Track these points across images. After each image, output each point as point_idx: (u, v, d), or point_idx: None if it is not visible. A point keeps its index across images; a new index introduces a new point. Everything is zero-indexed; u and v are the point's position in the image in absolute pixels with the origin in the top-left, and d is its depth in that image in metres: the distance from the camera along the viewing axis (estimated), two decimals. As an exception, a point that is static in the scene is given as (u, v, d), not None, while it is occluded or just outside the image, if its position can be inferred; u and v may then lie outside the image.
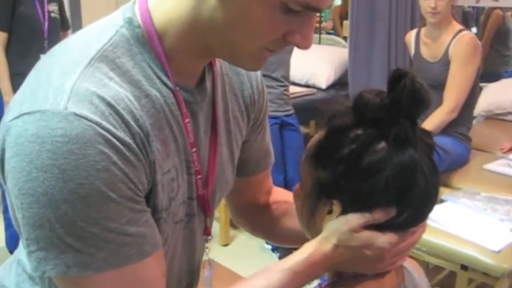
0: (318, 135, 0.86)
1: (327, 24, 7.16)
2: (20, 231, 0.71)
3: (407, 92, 0.75)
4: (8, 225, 2.97)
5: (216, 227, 3.39)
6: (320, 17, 6.34)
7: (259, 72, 0.99)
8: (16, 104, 0.68)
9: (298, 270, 0.80)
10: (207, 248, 0.96)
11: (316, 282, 0.86)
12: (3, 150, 0.67)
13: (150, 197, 0.73)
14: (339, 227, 0.79)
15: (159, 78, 0.74)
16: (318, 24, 6.28)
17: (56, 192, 0.63)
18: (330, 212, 0.82)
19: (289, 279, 0.80)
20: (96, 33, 0.73)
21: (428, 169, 0.79)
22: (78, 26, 4.24)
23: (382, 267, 0.82)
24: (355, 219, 0.78)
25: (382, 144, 0.77)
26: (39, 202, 0.64)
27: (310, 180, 0.84)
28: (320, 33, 5.44)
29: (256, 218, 1.13)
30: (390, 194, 0.78)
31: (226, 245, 3.37)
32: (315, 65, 4.26)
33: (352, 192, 0.79)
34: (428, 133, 0.83)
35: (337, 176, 0.80)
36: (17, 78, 2.86)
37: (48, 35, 3.01)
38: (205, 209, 0.88)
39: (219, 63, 0.89)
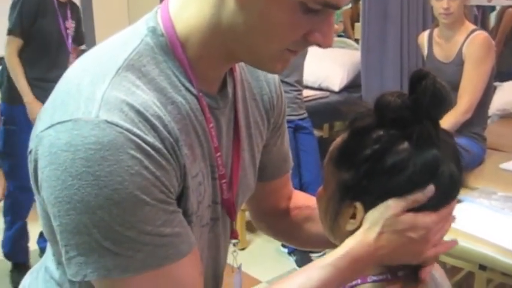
0: (340, 137, 0.87)
1: (338, 27, 7.15)
2: (54, 239, 0.73)
3: (429, 93, 0.77)
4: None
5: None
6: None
7: (277, 77, 1.00)
8: (47, 114, 0.70)
9: (340, 266, 0.78)
10: (234, 251, 0.97)
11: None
12: (36, 161, 0.70)
13: (181, 201, 0.75)
14: (381, 214, 0.79)
15: (183, 85, 0.76)
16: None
17: (92, 199, 0.65)
18: (353, 216, 0.82)
19: (331, 276, 0.78)
20: (122, 43, 0.75)
21: (454, 166, 0.81)
22: (91, 34, 4.29)
23: (427, 250, 0.81)
24: (396, 203, 0.78)
25: (405, 145, 0.78)
26: (76, 209, 0.66)
27: (334, 182, 0.86)
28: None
29: (278, 223, 1.14)
30: (414, 193, 0.78)
31: (243, 249, 3.38)
32: (328, 68, 4.26)
33: (375, 193, 0.80)
34: (450, 133, 0.84)
35: (361, 176, 0.81)
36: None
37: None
38: (231, 212, 0.90)
39: (239, 69, 0.91)
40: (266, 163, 1.04)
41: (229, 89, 0.86)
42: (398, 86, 3.86)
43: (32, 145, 0.71)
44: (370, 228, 0.79)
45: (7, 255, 3.03)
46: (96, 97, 0.68)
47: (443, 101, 0.78)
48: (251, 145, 0.94)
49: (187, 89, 0.77)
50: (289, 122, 3.12)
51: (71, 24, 3.06)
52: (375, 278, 0.86)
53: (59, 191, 0.66)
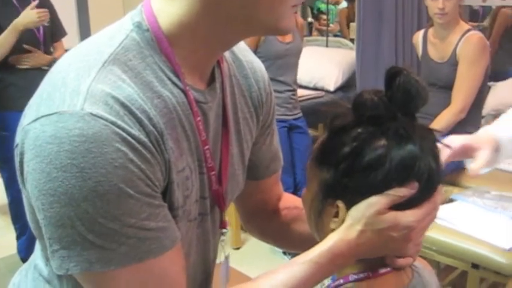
0: (321, 138, 0.88)
1: (334, 27, 7.18)
2: (40, 233, 0.73)
3: (403, 89, 0.78)
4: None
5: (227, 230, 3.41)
6: (327, 19, 6.36)
7: (266, 75, 1.01)
8: (33, 108, 0.70)
9: (321, 262, 0.79)
10: (222, 241, 0.97)
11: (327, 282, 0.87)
12: (22, 154, 0.69)
13: (166, 195, 0.75)
14: (363, 211, 0.78)
15: (170, 79, 0.76)
16: (324, 27, 6.31)
17: (76, 191, 0.65)
18: (336, 215, 0.83)
19: (313, 271, 0.79)
20: (108, 38, 0.75)
21: (429, 162, 0.80)
22: (86, 26, 4.26)
23: (408, 247, 0.82)
24: (379, 201, 0.78)
25: (382, 141, 0.79)
26: (60, 201, 0.66)
27: (316, 182, 0.86)
28: (327, 36, 5.46)
29: (266, 224, 1.14)
30: (393, 187, 0.79)
31: (237, 249, 3.39)
32: (323, 67, 4.27)
33: (356, 191, 0.80)
34: (428, 128, 0.84)
35: (340, 175, 0.81)
36: (11, 89, 2.87)
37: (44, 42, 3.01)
38: (220, 203, 0.90)
39: (227, 65, 0.91)
40: (255, 161, 1.04)
41: (218, 84, 0.86)
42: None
43: (18, 139, 0.71)
44: (352, 225, 0.79)
45: (25, 260, 3.01)
46: (81, 90, 0.67)
47: (418, 96, 0.79)
48: (240, 141, 0.94)
49: (173, 83, 0.77)
50: (283, 121, 3.15)
51: None
52: (356, 276, 0.86)
53: (44, 184, 0.66)
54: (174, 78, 0.77)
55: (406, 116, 0.80)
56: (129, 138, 0.67)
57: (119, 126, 0.67)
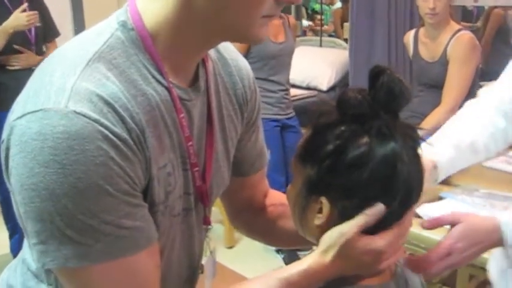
0: (305, 135, 0.89)
1: (329, 27, 7.20)
2: (24, 227, 0.74)
3: (386, 88, 0.79)
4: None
5: (220, 230, 3.42)
6: (321, 20, 6.38)
7: (251, 73, 1.02)
8: (20, 104, 0.72)
9: (295, 281, 0.81)
10: (207, 237, 0.98)
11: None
12: (8, 149, 0.71)
13: (147, 191, 0.77)
14: (336, 240, 0.81)
15: (154, 77, 0.78)
16: (319, 28, 6.33)
17: (57, 187, 0.67)
18: (320, 211, 0.84)
19: None
20: (93, 37, 0.77)
21: (410, 161, 0.81)
22: (81, 26, 4.26)
23: (382, 268, 0.84)
24: (349, 229, 0.80)
25: (365, 139, 0.80)
26: (41, 196, 0.67)
27: (300, 178, 0.87)
28: (321, 36, 5.48)
29: (253, 221, 1.15)
30: (374, 187, 0.80)
31: (231, 248, 3.40)
32: (316, 67, 4.30)
33: (338, 188, 0.82)
34: (412, 127, 0.85)
35: (324, 172, 0.82)
36: (1, 89, 2.87)
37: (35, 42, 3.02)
38: (204, 199, 0.91)
39: (212, 64, 0.92)
40: (240, 158, 1.05)
41: (202, 82, 0.87)
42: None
43: (4, 134, 0.72)
44: (327, 251, 0.82)
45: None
46: (66, 88, 0.69)
47: (401, 95, 0.80)
48: (225, 138, 0.95)
49: (157, 81, 0.78)
50: (276, 121, 3.18)
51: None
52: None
53: (26, 178, 0.68)
54: (158, 76, 0.78)
55: (389, 114, 0.81)
56: (111, 136, 0.69)
57: (101, 124, 0.68)
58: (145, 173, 0.75)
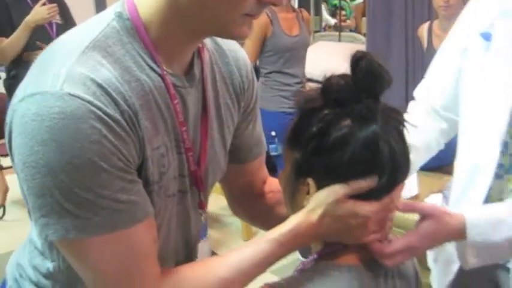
0: (293, 120, 0.92)
1: (351, 23, 7.17)
2: (28, 203, 0.80)
3: (366, 72, 0.82)
4: None
5: (238, 223, 3.46)
6: (340, 14, 6.37)
7: (249, 63, 1.06)
8: (21, 89, 0.78)
9: (283, 241, 0.86)
10: (202, 221, 1.02)
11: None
12: (11, 131, 0.77)
13: (141, 171, 0.82)
14: (325, 198, 0.84)
15: (148, 64, 0.82)
16: (342, 23, 6.33)
17: (55, 163, 0.72)
18: (308, 193, 0.87)
19: (275, 249, 0.86)
20: (91, 27, 0.82)
21: (395, 141, 0.84)
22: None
23: (365, 236, 0.88)
24: (340, 189, 0.84)
25: (347, 121, 0.83)
26: (41, 173, 0.73)
27: (289, 162, 0.91)
28: (340, 31, 5.48)
29: (252, 207, 1.19)
30: (357, 167, 0.83)
31: (248, 240, 3.44)
32: (334, 62, 4.28)
33: (322, 168, 0.85)
34: (395, 110, 0.88)
35: (309, 154, 0.86)
36: (13, 82, 2.97)
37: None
38: (198, 184, 0.95)
39: (209, 54, 0.97)
40: (239, 145, 1.09)
41: (196, 71, 0.91)
42: (403, 79, 3.89)
43: (7, 118, 0.78)
44: (314, 209, 0.85)
45: None
46: (62, 73, 0.74)
47: (381, 79, 0.83)
48: (221, 125, 0.99)
49: (151, 68, 0.83)
50: (292, 114, 3.18)
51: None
52: (327, 250, 0.92)
53: (27, 157, 0.73)
54: (152, 64, 0.83)
55: (370, 98, 0.84)
56: (104, 116, 0.74)
57: (95, 105, 0.73)
58: (139, 152, 0.80)
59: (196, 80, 0.91)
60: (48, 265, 0.93)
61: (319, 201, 0.85)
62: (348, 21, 7.06)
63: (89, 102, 0.73)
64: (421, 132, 1.38)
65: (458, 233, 0.99)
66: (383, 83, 0.84)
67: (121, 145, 0.76)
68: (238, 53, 1.04)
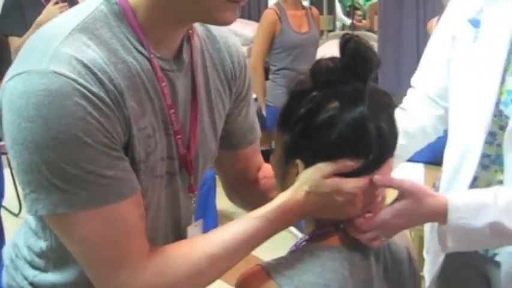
0: (283, 104, 0.94)
1: (366, 23, 7.14)
2: (18, 180, 0.82)
3: (353, 54, 0.83)
4: None
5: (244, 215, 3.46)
6: (354, 14, 6.35)
7: (240, 50, 1.08)
8: (11, 69, 0.80)
9: (271, 217, 0.87)
10: (192, 205, 1.03)
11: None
12: (1, 110, 0.80)
13: (128, 149, 0.84)
14: (311, 175, 0.86)
15: (135, 48, 0.85)
16: (359, 23, 6.31)
17: (41, 139, 0.75)
18: (298, 174, 0.88)
19: (264, 226, 0.87)
20: (79, 10, 0.84)
21: (383, 122, 0.85)
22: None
23: (355, 212, 0.88)
24: (325, 167, 0.85)
25: (335, 103, 0.84)
26: (28, 149, 0.76)
27: (280, 145, 0.93)
28: (353, 31, 5.47)
29: (247, 193, 1.20)
30: (345, 148, 0.84)
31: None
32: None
33: (311, 149, 0.86)
34: (384, 92, 0.89)
35: (297, 135, 0.87)
36: None
37: None
38: (188, 167, 0.97)
39: (199, 40, 0.98)
40: (231, 131, 1.11)
41: (185, 56, 0.93)
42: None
43: None
44: (300, 186, 0.87)
45: None
46: (48, 53, 0.77)
47: (368, 60, 0.84)
48: (211, 110, 1.01)
49: (138, 51, 0.85)
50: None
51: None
52: (319, 231, 0.93)
53: (15, 134, 0.76)
54: (140, 47, 0.85)
55: (358, 80, 0.85)
56: (88, 94, 0.76)
57: (79, 84, 0.76)
58: (124, 130, 0.82)
59: (185, 65, 0.93)
60: (41, 244, 0.96)
61: (305, 179, 0.86)
62: (364, 21, 7.04)
63: (73, 80, 0.75)
64: (415, 118, 1.39)
65: (438, 216, 0.96)
66: (371, 65, 0.85)
67: (106, 122, 0.78)
68: (230, 39, 1.06)
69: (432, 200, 0.94)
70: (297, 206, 0.87)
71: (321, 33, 4.23)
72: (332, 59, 0.87)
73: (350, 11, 7.30)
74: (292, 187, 0.88)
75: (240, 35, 4.63)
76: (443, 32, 1.37)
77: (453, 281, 1.34)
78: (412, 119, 1.38)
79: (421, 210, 0.93)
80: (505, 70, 1.18)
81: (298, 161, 0.88)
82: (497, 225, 0.96)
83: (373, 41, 4.84)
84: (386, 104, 0.88)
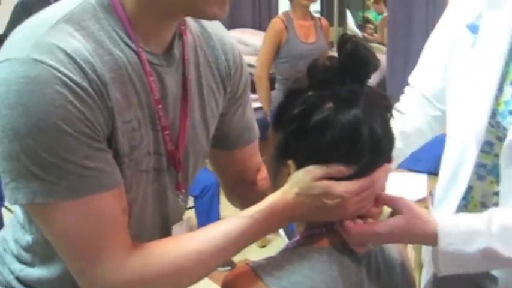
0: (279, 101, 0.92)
1: (378, 36, 7.15)
2: None
3: (351, 54, 0.81)
4: None
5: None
6: (365, 27, 6.35)
7: (236, 49, 1.06)
8: None
9: (259, 218, 0.85)
10: (179, 202, 1.01)
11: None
12: None
13: (111, 141, 0.82)
14: (301, 177, 0.84)
15: (122, 40, 0.84)
16: (370, 37, 6.31)
17: (21, 127, 0.74)
18: (289, 175, 0.87)
19: (252, 225, 0.86)
20: (67, 2, 0.84)
21: (378, 126, 0.83)
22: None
23: (345, 216, 0.86)
24: (316, 169, 0.83)
25: (329, 104, 0.83)
26: (8, 137, 0.75)
27: (273, 144, 0.91)
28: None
29: (246, 195, 1.18)
30: (337, 151, 0.82)
31: (263, 247, 3.43)
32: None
33: (303, 150, 0.85)
34: (383, 95, 0.88)
35: (290, 135, 0.86)
36: None
37: None
38: (176, 165, 0.95)
39: (192, 36, 0.98)
40: (227, 131, 1.10)
41: (176, 51, 0.92)
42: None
43: None
44: (290, 188, 0.85)
45: None
46: (31, 41, 0.76)
47: (366, 62, 0.82)
48: (203, 108, 1.00)
49: (126, 44, 0.84)
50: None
51: None
52: (310, 232, 0.92)
53: None
54: (127, 40, 0.84)
55: (355, 82, 0.83)
56: (69, 82, 0.75)
57: (60, 72, 0.75)
58: (107, 121, 0.81)
59: (176, 60, 0.92)
60: (28, 238, 0.95)
61: (296, 181, 0.85)
62: (375, 34, 7.05)
63: (54, 68, 0.75)
64: (412, 118, 1.37)
65: (430, 240, 0.94)
66: (368, 67, 0.83)
67: (87, 112, 0.77)
68: (225, 37, 1.04)
69: (422, 224, 0.92)
70: (286, 207, 0.85)
71: (331, 44, 4.23)
72: (330, 58, 0.85)
73: (362, 25, 7.32)
74: (282, 188, 0.86)
75: (250, 45, 4.65)
76: (441, 35, 1.36)
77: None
78: (408, 119, 1.36)
79: (413, 231, 0.92)
80: (503, 79, 1.15)
81: (290, 162, 0.87)
82: (490, 251, 0.94)
83: (382, 53, 4.86)
84: (383, 107, 0.86)
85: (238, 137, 1.13)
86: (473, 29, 1.20)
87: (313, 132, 0.83)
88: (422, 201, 2.26)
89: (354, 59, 0.82)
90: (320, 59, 0.86)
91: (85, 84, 0.77)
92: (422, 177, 2.34)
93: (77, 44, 0.78)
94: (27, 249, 0.96)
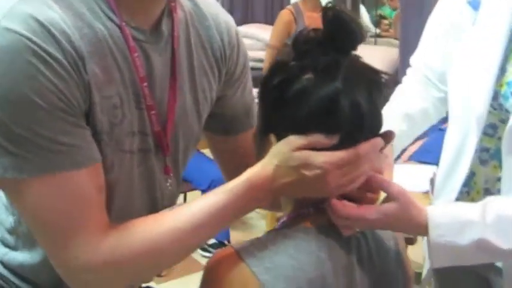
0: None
1: (393, 31, 7.09)
2: None
3: (334, 25, 0.78)
4: None
5: (263, 226, 3.42)
6: (379, 23, 6.31)
7: (232, 28, 1.02)
8: None
9: (238, 192, 0.81)
10: (168, 187, 0.98)
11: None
12: None
13: (89, 117, 0.79)
14: (280, 147, 0.80)
15: (105, 13, 0.81)
16: (386, 33, 6.28)
17: None
18: None
19: (230, 201, 0.81)
20: None
21: (361, 98, 0.79)
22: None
23: (329, 190, 0.81)
24: (296, 139, 0.79)
25: (309, 75, 0.80)
26: None
27: (258, 118, 0.89)
28: (376, 36, 5.44)
29: None
30: (316, 122, 0.79)
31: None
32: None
33: (282, 122, 0.82)
34: (375, 70, 0.84)
35: (270, 107, 0.83)
36: None
37: None
38: (162, 146, 0.92)
39: (184, 14, 0.94)
40: (226, 114, 1.06)
41: (165, 28, 0.89)
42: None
43: None
44: (270, 159, 0.81)
45: None
46: (4, 10, 0.74)
47: (350, 33, 0.79)
48: (194, 89, 0.96)
49: (109, 17, 0.81)
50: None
51: None
52: (297, 213, 0.88)
53: None
54: (110, 14, 0.82)
55: (340, 53, 0.80)
56: (42, 53, 0.73)
57: (32, 42, 0.72)
58: (84, 96, 0.78)
59: (164, 38, 0.89)
60: (11, 219, 0.93)
61: (275, 152, 0.81)
62: (391, 30, 7.00)
63: (26, 37, 0.72)
64: (415, 99, 1.33)
65: (421, 229, 0.89)
66: (352, 36, 0.79)
67: (61, 84, 0.74)
68: (221, 16, 1.01)
69: (416, 213, 0.88)
70: (265, 180, 0.80)
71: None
72: (315, 29, 0.82)
73: (377, 20, 7.28)
74: (262, 161, 0.82)
75: (260, 39, 4.62)
76: (442, 16, 1.31)
77: (452, 281, 1.28)
78: (412, 100, 1.32)
79: (404, 219, 0.87)
80: (506, 59, 1.10)
81: (272, 136, 0.84)
82: (484, 242, 0.89)
83: (395, 46, 4.81)
84: (370, 81, 0.82)
85: (238, 121, 1.09)
86: (475, 5, 1.15)
87: (291, 103, 0.80)
88: (425, 194, 2.21)
89: (336, 28, 0.79)
90: (305, 30, 0.83)
91: (59, 55, 0.74)
92: (431, 169, 2.28)
93: (53, 14, 0.76)
94: (10, 231, 0.94)
